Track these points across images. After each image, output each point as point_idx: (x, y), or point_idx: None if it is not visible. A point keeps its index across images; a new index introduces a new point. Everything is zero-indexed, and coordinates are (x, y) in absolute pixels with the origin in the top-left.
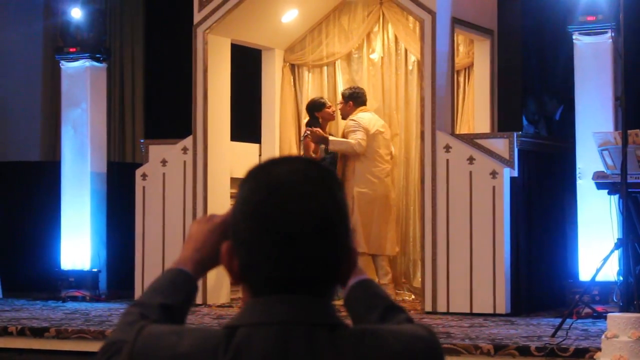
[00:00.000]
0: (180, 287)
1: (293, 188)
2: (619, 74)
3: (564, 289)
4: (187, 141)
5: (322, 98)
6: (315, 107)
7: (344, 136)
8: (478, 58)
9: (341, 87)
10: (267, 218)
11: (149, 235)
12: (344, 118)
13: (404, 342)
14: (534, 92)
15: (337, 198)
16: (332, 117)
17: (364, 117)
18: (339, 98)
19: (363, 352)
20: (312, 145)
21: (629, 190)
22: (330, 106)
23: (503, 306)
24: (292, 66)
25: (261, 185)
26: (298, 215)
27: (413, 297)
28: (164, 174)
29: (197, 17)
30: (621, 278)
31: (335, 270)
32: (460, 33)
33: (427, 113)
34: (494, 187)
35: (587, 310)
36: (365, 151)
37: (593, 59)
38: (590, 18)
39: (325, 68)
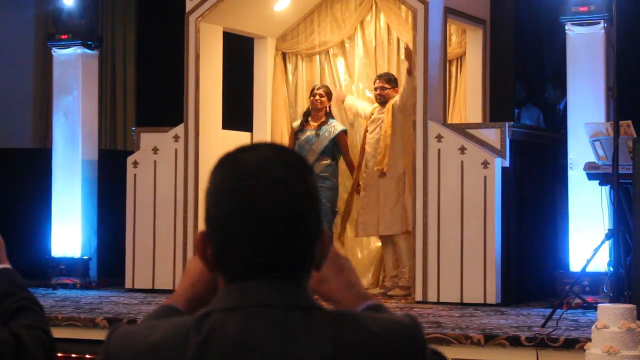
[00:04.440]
0: None
1: (262, 174)
2: (611, 65)
3: (555, 280)
4: (179, 129)
5: (317, 86)
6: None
7: (402, 103)
8: (470, 48)
9: (334, 76)
10: (238, 205)
11: (139, 223)
12: (384, 102)
13: (383, 326)
14: (528, 82)
15: (307, 182)
16: (315, 108)
17: None
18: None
19: (340, 334)
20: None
21: (620, 181)
22: (316, 94)
23: (493, 296)
24: (284, 55)
25: (231, 172)
26: (268, 200)
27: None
28: (155, 161)
29: (189, 5)
30: (612, 269)
31: (308, 254)
32: (452, 23)
33: (419, 103)
34: (485, 177)
35: (577, 300)
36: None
37: (585, 50)
38: (582, 8)
39: (317, 57)
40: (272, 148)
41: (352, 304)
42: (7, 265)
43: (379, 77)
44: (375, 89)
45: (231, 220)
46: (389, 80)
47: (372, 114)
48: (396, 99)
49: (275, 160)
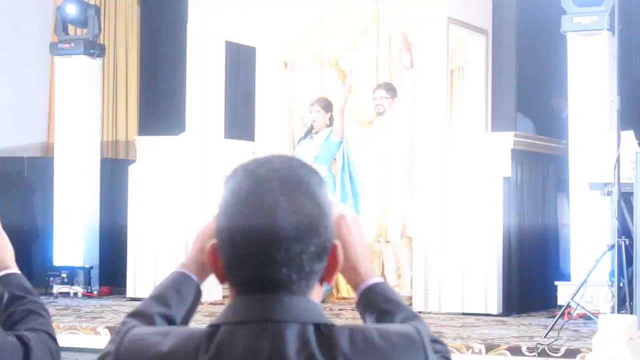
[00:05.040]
0: (180, 293)
1: (272, 188)
2: (613, 75)
3: (556, 290)
4: (181, 138)
5: (314, 101)
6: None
7: None
8: (472, 57)
9: (335, 85)
10: (246, 217)
11: (141, 231)
12: (383, 111)
13: (388, 338)
14: (529, 92)
15: (317, 196)
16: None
17: None
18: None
19: (346, 350)
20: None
21: (622, 191)
22: (313, 110)
23: (495, 306)
24: (286, 64)
25: (241, 184)
26: (277, 214)
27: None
28: (157, 170)
29: (191, 14)
30: (613, 279)
31: (318, 268)
32: (455, 32)
33: (421, 112)
34: (486, 187)
35: (579, 311)
36: None
37: (587, 60)
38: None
39: (319, 66)
40: (284, 161)
41: (357, 278)
42: (15, 270)
43: (379, 86)
44: (375, 99)
45: (240, 233)
46: (388, 89)
47: (372, 123)
48: (395, 106)
49: (287, 173)
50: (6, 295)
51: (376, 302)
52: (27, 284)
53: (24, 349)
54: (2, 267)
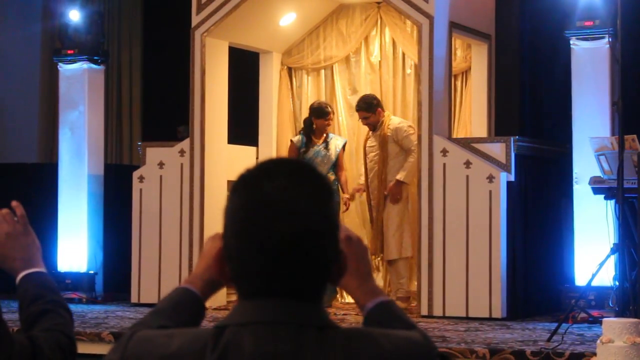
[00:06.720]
0: (183, 308)
1: (279, 204)
2: (616, 79)
3: (560, 294)
4: (185, 144)
5: (328, 106)
6: (317, 113)
7: (398, 143)
8: (475, 62)
9: (339, 91)
10: (254, 235)
11: (145, 237)
12: (375, 127)
13: (396, 343)
14: (533, 96)
15: (326, 211)
16: (325, 130)
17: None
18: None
19: (353, 351)
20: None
21: (625, 195)
22: (331, 118)
23: (499, 310)
24: (290, 69)
25: (247, 201)
26: (286, 232)
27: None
28: (161, 176)
29: (195, 20)
30: (617, 283)
31: (323, 276)
32: (457, 37)
33: (425, 117)
34: (490, 192)
35: (582, 315)
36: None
37: (590, 64)
38: (587, 23)
39: (322, 71)
40: (292, 175)
41: (363, 297)
42: (41, 269)
43: (357, 109)
44: (359, 120)
45: (247, 250)
46: (367, 108)
47: (369, 139)
48: (393, 124)
49: (294, 190)
50: (28, 294)
51: (383, 321)
52: (51, 282)
53: (33, 350)
54: (28, 265)
